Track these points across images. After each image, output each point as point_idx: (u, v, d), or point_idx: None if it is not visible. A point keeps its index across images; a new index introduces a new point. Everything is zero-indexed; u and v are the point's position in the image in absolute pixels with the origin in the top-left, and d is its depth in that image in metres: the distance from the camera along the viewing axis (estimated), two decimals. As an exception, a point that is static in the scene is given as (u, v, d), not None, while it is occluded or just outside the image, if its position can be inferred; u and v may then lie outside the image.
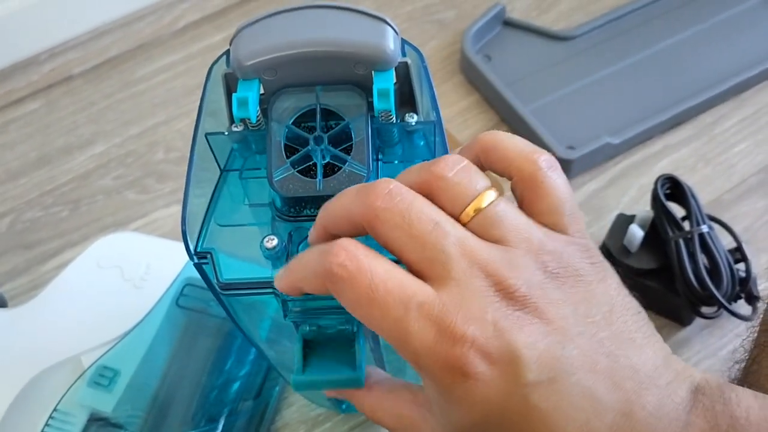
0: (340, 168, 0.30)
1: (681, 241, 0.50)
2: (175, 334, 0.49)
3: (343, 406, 0.48)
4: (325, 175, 0.30)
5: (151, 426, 0.46)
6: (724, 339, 0.53)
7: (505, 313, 0.25)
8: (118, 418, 0.46)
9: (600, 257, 0.28)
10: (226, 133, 0.32)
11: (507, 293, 0.25)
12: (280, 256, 0.30)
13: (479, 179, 0.27)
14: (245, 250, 0.31)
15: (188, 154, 0.71)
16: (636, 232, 0.52)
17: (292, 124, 0.31)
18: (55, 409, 0.45)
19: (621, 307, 0.27)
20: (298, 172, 0.30)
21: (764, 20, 0.72)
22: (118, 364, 0.47)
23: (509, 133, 0.29)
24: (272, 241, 0.30)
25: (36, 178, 0.65)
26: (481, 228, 0.26)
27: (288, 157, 0.30)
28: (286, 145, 0.30)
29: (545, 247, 0.26)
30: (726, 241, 0.53)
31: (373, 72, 0.30)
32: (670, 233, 0.51)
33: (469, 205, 0.27)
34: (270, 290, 0.30)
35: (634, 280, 0.52)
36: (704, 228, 0.51)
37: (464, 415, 0.25)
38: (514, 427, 0.25)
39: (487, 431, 0.25)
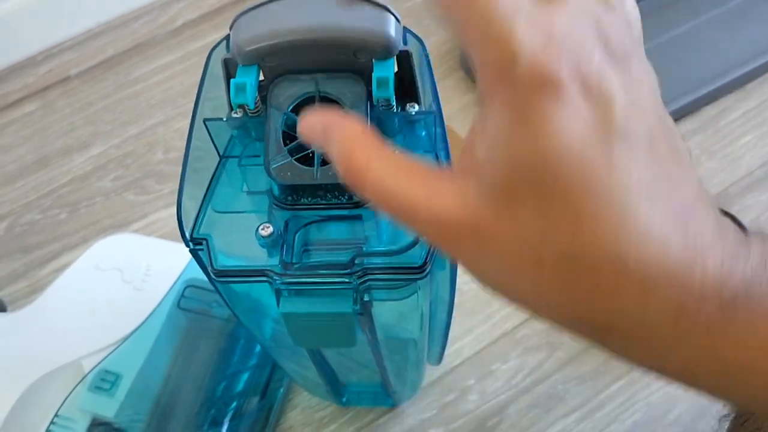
0: None
1: (689, 235, 0.50)
2: (177, 336, 0.48)
3: (344, 399, 0.48)
4: (323, 163, 0.29)
5: (154, 430, 0.46)
6: (733, 333, 0.52)
7: (606, 55, 0.22)
8: (121, 423, 0.45)
9: None
10: (225, 120, 0.31)
11: (606, 37, 0.22)
12: (275, 244, 0.30)
13: None
14: (242, 237, 0.30)
15: (188, 154, 0.69)
16: (643, 226, 0.51)
17: (292, 111, 0.30)
18: (56, 415, 0.45)
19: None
20: (295, 160, 0.29)
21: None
22: (119, 368, 0.46)
23: None
24: (267, 229, 0.29)
25: (34, 181, 0.64)
26: None
27: (286, 145, 0.30)
28: (284, 132, 0.30)
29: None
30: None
31: (373, 60, 0.30)
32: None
33: None
34: (264, 278, 0.29)
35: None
36: (712, 221, 0.50)
37: (531, 140, 0.21)
38: (583, 182, 0.21)
39: (540, 179, 0.21)
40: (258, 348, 0.49)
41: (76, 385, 0.46)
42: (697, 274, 0.22)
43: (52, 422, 0.44)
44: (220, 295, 0.33)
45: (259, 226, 0.29)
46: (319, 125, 0.26)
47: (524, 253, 0.22)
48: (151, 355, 0.47)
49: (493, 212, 0.22)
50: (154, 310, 0.49)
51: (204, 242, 0.30)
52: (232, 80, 0.29)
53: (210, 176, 0.32)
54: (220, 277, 0.30)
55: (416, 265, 0.29)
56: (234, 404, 0.48)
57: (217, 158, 0.33)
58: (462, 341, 0.53)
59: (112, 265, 0.52)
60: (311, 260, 0.30)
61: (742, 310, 0.22)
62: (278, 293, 0.30)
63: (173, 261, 0.50)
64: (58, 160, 0.66)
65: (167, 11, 0.76)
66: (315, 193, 0.30)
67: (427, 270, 0.29)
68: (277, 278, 0.29)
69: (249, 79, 0.29)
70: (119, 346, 0.47)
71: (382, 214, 0.24)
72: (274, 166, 0.29)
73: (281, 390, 0.50)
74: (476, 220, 0.22)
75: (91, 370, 0.46)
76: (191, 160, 0.32)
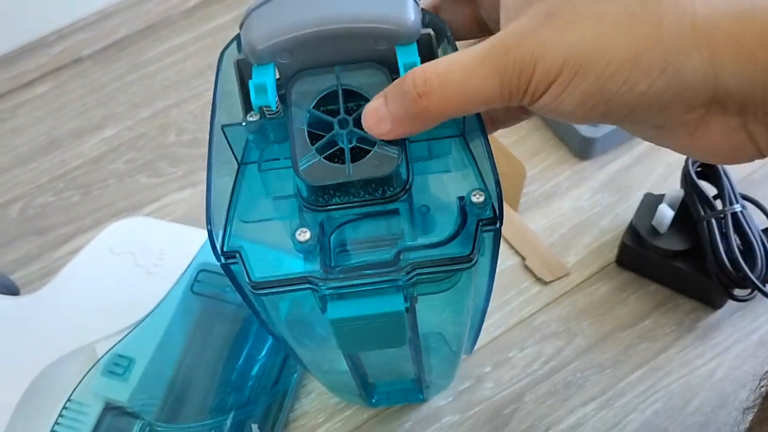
0: (369, 151, 0.28)
1: (713, 221, 0.48)
2: (191, 321, 0.48)
3: (374, 400, 0.47)
4: (354, 159, 0.28)
5: (168, 415, 0.45)
6: (757, 322, 0.51)
7: None
8: (134, 407, 0.45)
9: None
10: (243, 124, 0.30)
11: None
12: (312, 249, 0.28)
13: None
14: (274, 245, 0.29)
15: (199, 136, 0.69)
16: (666, 212, 0.50)
17: (314, 108, 0.29)
18: (68, 399, 0.44)
19: None
20: (324, 158, 0.28)
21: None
22: (132, 352, 0.46)
23: None
24: (305, 234, 0.28)
25: (46, 163, 0.64)
26: None
27: (312, 144, 0.28)
28: (309, 131, 0.29)
29: None
30: (759, 220, 0.51)
31: (395, 47, 0.28)
32: (702, 213, 0.49)
33: None
34: (308, 286, 0.28)
35: (663, 261, 0.51)
36: (737, 207, 0.49)
37: None
38: None
39: None
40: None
41: (89, 370, 0.45)
42: None
43: (65, 407, 0.44)
44: (255, 312, 0.32)
45: (295, 232, 0.28)
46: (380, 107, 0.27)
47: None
48: (165, 339, 0.47)
49: None
50: (167, 295, 0.48)
51: (237, 255, 0.29)
52: (251, 81, 0.28)
53: (231, 185, 0.31)
54: (259, 289, 0.28)
55: (464, 255, 0.28)
56: (248, 389, 0.47)
57: (235, 165, 0.32)
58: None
59: (125, 248, 0.51)
60: (351, 261, 0.28)
61: None
62: (323, 300, 0.29)
63: (186, 245, 0.50)
64: (70, 142, 0.65)
65: (180, -9, 0.75)
66: (348, 191, 0.29)
67: (476, 258, 0.28)
68: (321, 284, 0.28)
69: (268, 78, 0.28)
70: (132, 330, 0.47)
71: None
72: (303, 167, 0.28)
73: (295, 375, 0.49)
74: (548, 9, 0.25)
75: (104, 355, 0.46)
76: (216, 166, 0.30)
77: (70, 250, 0.58)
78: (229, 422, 0.45)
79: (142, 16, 0.73)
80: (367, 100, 0.28)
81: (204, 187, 0.63)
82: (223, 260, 0.29)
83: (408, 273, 0.28)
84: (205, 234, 0.50)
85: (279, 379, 0.48)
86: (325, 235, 0.29)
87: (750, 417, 0.37)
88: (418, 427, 0.48)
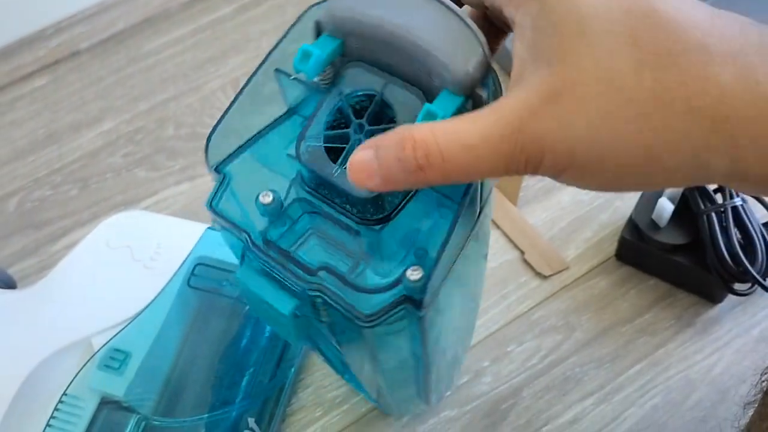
0: None
1: (713, 215, 0.48)
2: (187, 315, 0.48)
3: (346, 377, 0.47)
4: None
5: (164, 409, 0.45)
6: (757, 316, 0.51)
7: None
8: (130, 401, 0.45)
9: None
10: (292, 77, 0.30)
11: None
12: (272, 214, 0.29)
13: None
14: (257, 193, 0.30)
15: (198, 129, 0.68)
16: (665, 206, 0.49)
17: (354, 98, 0.29)
18: (64, 394, 0.44)
19: None
20: (328, 149, 0.28)
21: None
22: (129, 346, 0.46)
23: None
24: (267, 197, 0.29)
25: (44, 156, 0.64)
26: None
27: (327, 129, 0.29)
28: (333, 118, 0.29)
29: None
30: (760, 214, 0.50)
31: (444, 89, 0.27)
32: (702, 206, 0.49)
33: None
34: (243, 237, 0.29)
35: (663, 256, 0.50)
36: (737, 201, 0.48)
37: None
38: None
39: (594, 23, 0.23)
40: (269, 327, 0.48)
41: (86, 364, 0.45)
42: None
43: (60, 401, 0.44)
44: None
45: (261, 192, 0.29)
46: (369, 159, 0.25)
47: (612, 82, 0.22)
48: (161, 333, 0.47)
49: (566, 69, 0.23)
50: (164, 289, 0.48)
51: (223, 178, 0.30)
52: (303, 45, 0.28)
53: (266, 122, 0.32)
54: (213, 212, 0.30)
55: (363, 313, 0.27)
56: (244, 383, 0.47)
57: (284, 108, 0.32)
58: (476, 322, 0.52)
59: (122, 242, 0.51)
60: (304, 245, 0.29)
61: None
62: (243, 258, 0.30)
63: (183, 239, 0.50)
64: (68, 136, 0.65)
65: (179, -16, 0.74)
66: (332, 189, 0.29)
67: (375, 323, 0.28)
68: (249, 247, 0.29)
69: (320, 50, 0.28)
70: (129, 324, 0.47)
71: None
72: (305, 144, 0.28)
73: (292, 369, 0.49)
74: (553, 85, 0.23)
75: (101, 349, 0.46)
76: (252, 91, 0.31)
77: (67, 243, 0.58)
78: (226, 416, 0.45)
79: (141, 8, 0.73)
80: (393, 121, 0.28)
81: (202, 181, 0.62)
82: (212, 171, 0.30)
83: (311, 291, 0.28)
84: (202, 228, 0.50)
85: (276, 373, 0.48)
86: (292, 210, 0.29)
87: (750, 412, 0.36)
88: (415, 422, 0.48)
